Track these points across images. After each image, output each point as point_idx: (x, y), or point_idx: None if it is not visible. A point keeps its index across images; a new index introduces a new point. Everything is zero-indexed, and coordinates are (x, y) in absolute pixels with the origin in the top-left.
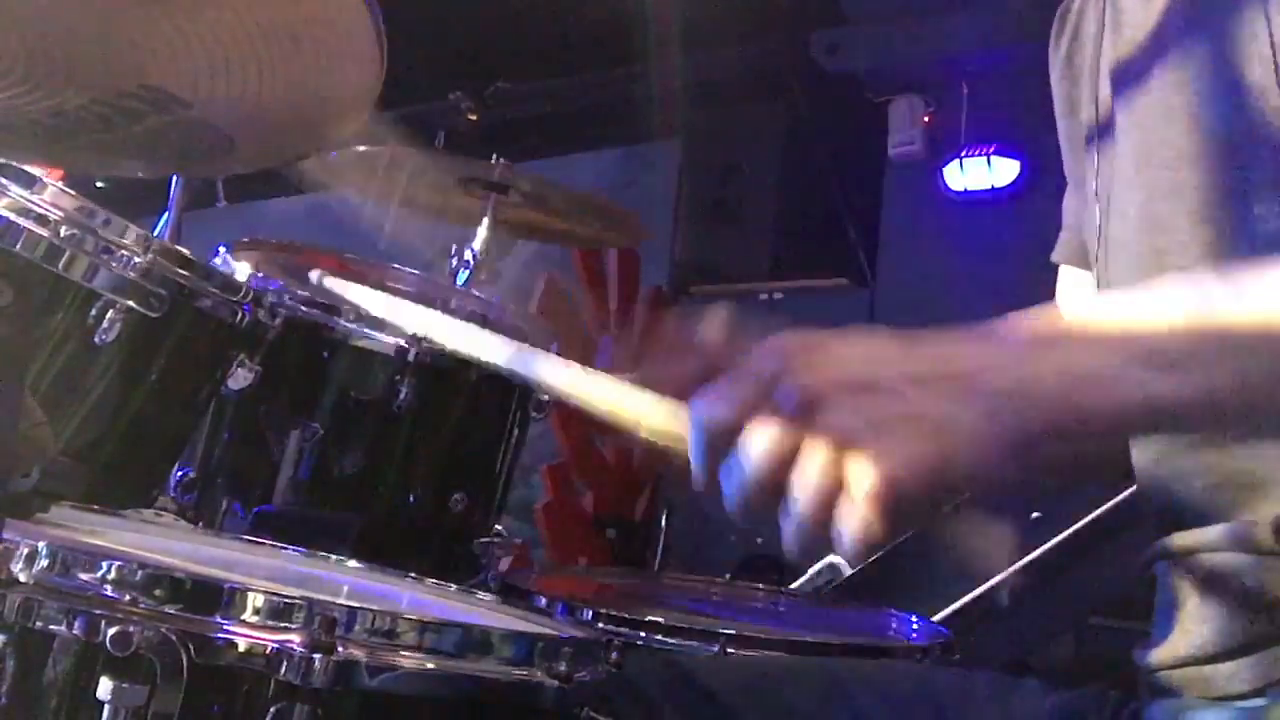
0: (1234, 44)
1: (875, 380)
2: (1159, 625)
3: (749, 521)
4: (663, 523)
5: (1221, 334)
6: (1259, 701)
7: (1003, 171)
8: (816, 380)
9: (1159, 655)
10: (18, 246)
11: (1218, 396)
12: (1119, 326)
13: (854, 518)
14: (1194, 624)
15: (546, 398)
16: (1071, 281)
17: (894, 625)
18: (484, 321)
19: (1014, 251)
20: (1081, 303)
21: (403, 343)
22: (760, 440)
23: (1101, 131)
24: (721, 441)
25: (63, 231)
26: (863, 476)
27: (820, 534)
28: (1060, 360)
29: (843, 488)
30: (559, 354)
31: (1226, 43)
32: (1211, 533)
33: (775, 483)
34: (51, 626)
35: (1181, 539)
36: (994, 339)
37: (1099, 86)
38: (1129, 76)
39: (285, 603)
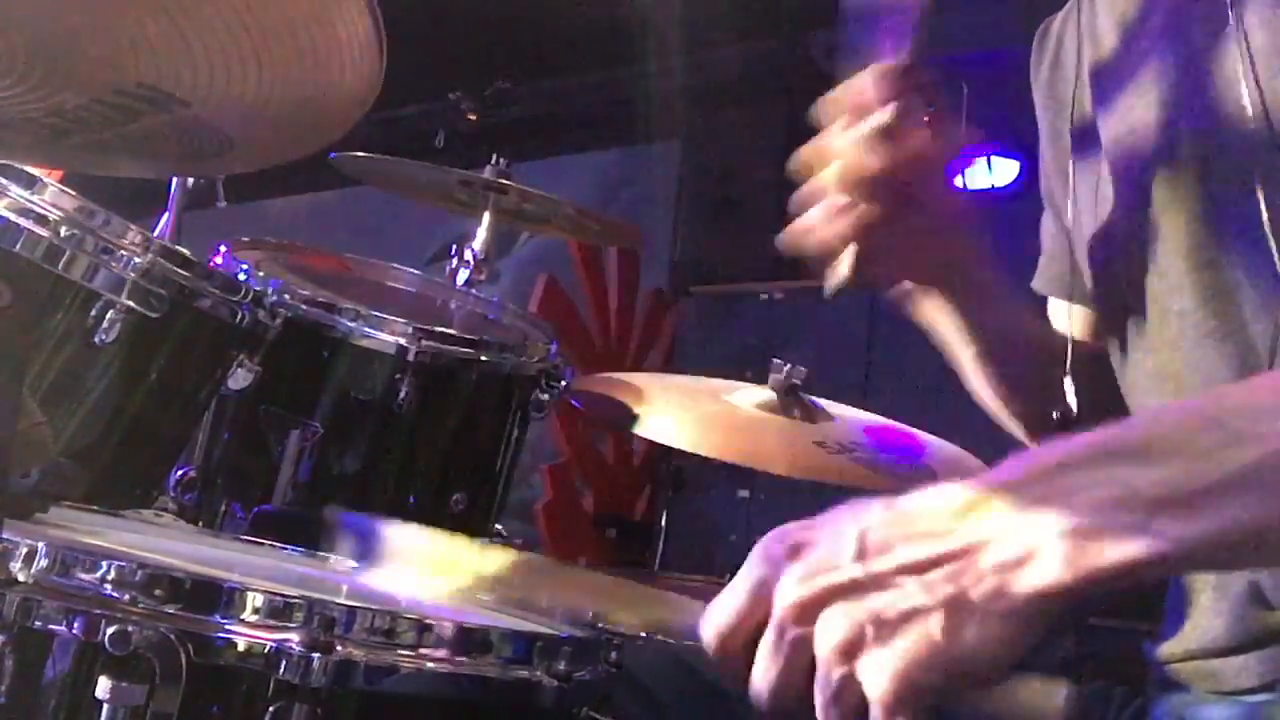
0: (1209, 56)
1: (870, 574)
2: (1169, 620)
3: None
4: (663, 523)
5: (1231, 467)
6: (1267, 696)
7: (1003, 171)
8: (809, 588)
9: (1168, 649)
10: (18, 246)
11: (1234, 535)
12: (1126, 464)
13: (876, 709)
14: (1204, 618)
15: (546, 397)
16: (1058, 317)
17: None
18: (484, 322)
19: (1014, 251)
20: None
21: (403, 342)
22: (772, 653)
23: (1087, 155)
24: (738, 654)
25: (63, 231)
26: (876, 682)
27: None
28: (1059, 519)
29: (861, 690)
30: (559, 354)
31: (1202, 56)
32: None
33: (798, 685)
34: (51, 626)
35: None
36: (983, 501)
37: (1081, 109)
38: (1108, 95)
39: (284, 602)
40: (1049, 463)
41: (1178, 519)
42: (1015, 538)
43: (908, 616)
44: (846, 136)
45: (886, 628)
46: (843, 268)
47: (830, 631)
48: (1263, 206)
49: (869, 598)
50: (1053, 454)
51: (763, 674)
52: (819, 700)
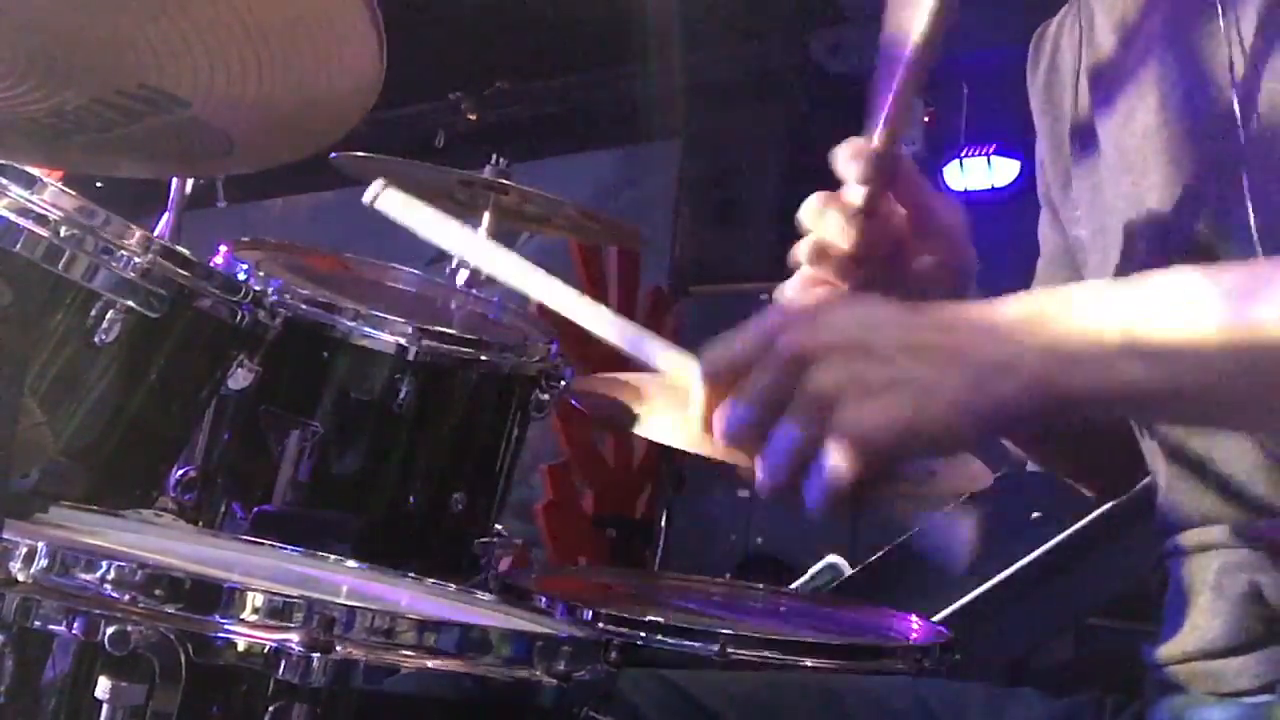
0: (1207, 58)
1: (867, 344)
2: (1168, 621)
3: (734, 457)
4: (663, 523)
5: (1199, 332)
6: (1266, 698)
7: (1003, 171)
8: (812, 339)
9: (1167, 651)
10: (18, 246)
11: (1185, 390)
12: (1108, 313)
13: (826, 466)
14: (1203, 619)
15: (546, 397)
16: None
17: (894, 625)
18: (484, 322)
19: (1014, 251)
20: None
21: (403, 342)
22: (752, 385)
23: (1087, 159)
24: (721, 385)
25: (63, 231)
26: (840, 429)
27: (792, 477)
28: (1046, 340)
29: (821, 440)
30: (559, 354)
31: (1200, 58)
32: (1225, 529)
33: (761, 423)
34: (50, 626)
35: (1194, 535)
36: (989, 314)
37: (1079, 113)
38: (1107, 99)
39: (284, 602)
40: (1049, 300)
41: (1147, 364)
42: (998, 348)
43: (886, 386)
44: (820, 211)
45: (866, 389)
46: None
47: (817, 378)
48: (1250, 209)
49: (860, 361)
50: (1051, 296)
51: (736, 406)
52: (777, 442)
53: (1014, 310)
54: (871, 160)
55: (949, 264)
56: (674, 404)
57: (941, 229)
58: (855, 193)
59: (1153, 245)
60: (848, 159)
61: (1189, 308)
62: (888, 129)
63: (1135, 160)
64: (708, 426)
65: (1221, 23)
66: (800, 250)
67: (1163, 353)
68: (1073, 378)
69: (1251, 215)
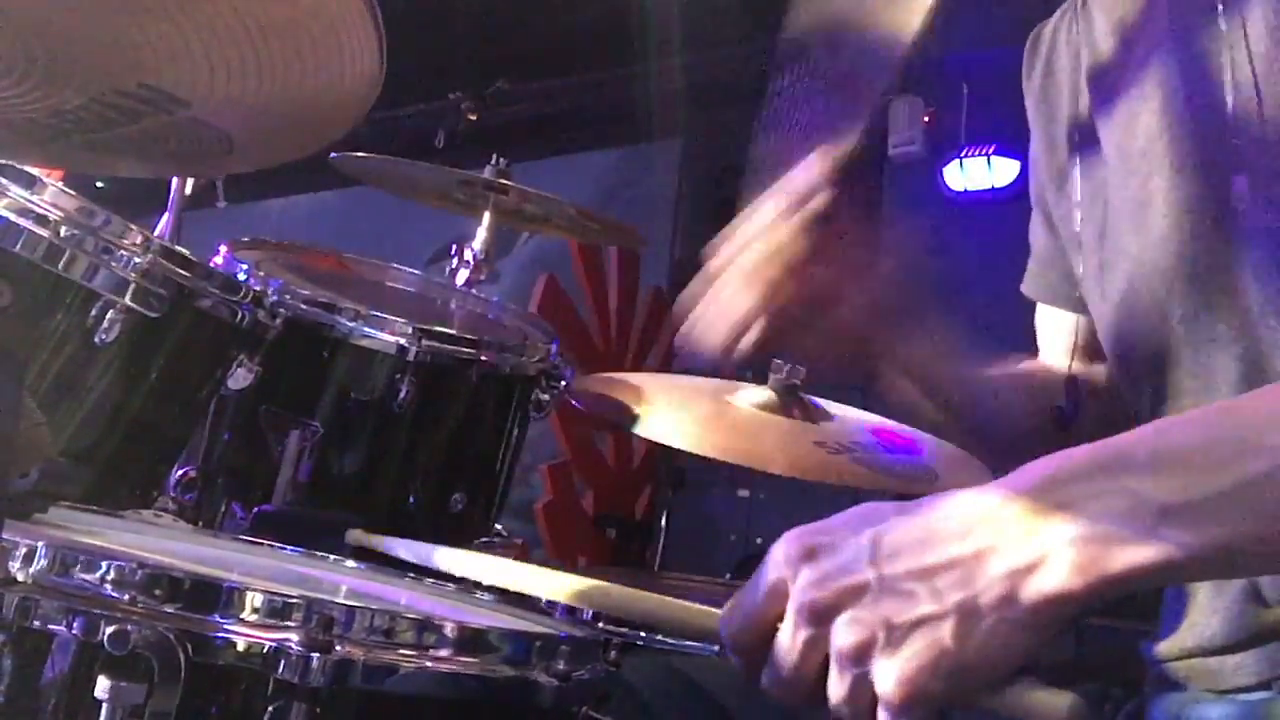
0: (1210, 59)
1: (882, 579)
2: (1167, 618)
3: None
4: (663, 523)
5: (1235, 478)
6: (1265, 694)
7: (1003, 171)
8: (822, 594)
9: (1166, 647)
10: (18, 246)
11: (1238, 543)
12: (1130, 474)
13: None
14: (1202, 616)
15: (546, 397)
16: (1049, 322)
17: None
18: (484, 322)
19: (1014, 251)
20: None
21: (403, 342)
22: (784, 657)
23: (1086, 162)
24: (753, 653)
25: (63, 231)
26: (883, 685)
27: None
28: (1072, 527)
29: (874, 692)
30: (559, 354)
31: (1203, 59)
32: None
33: (811, 684)
34: (50, 626)
35: None
36: (998, 506)
37: (1078, 115)
38: (1107, 101)
39: (283, 602)
40: (1060, 471)
41: (1186, 527)
42: (1025, 544)
43: (918, 622)
44: (772, 225)
45: (897, 632)
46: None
47: (843, 634)
48: (1253, 211)
49: (881, 602)
50: (1064, 462)
51: (777, 672)
52: (833, 699)
53: (1027, 488)
54: (836, 164)
55: (896, 275)
56: (674, 404)
57: (889, 243)
58: (816, 199)
59: (1157, 250)
60: (813, 165)
61: (1221, 452)
62: (858, 136)
63: (1139, 163)
64: (756, 684)
65: (1223, 24)
66: (750, 253)
67: (1205, 510)
68: (1113, 561)
69: (1255, 218)
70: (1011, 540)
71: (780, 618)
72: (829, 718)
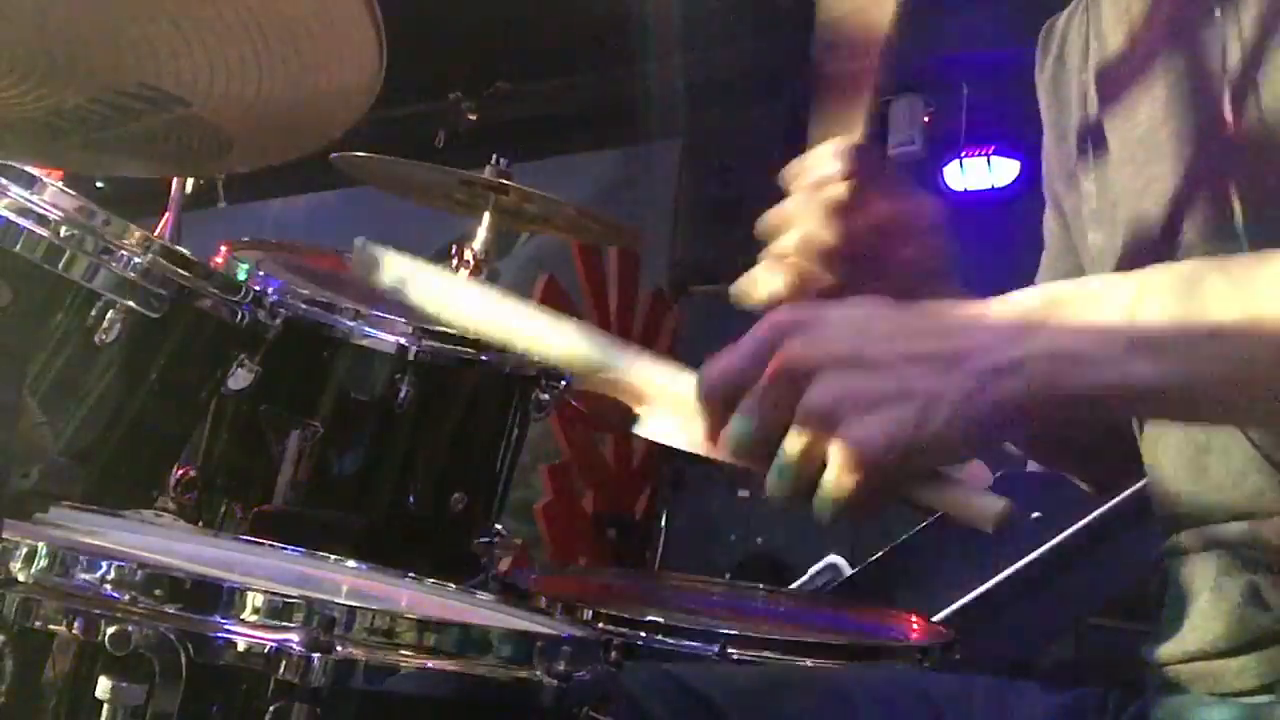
0: (1212, 54)
1: (864, 354)
2: (1168, 621)
3: (743, 465)
4: (663, 523)
5: (1208, 323)
6: (1266, 698)
7: (1003, 171)
8: (807, 352)
9: (1167, 651)
10: (18, 246)
11: (1197, 384)
12: (1110, 308)
13: (831, 480)
14: (1203, 619)
15: (546, 397)
16: None
17: (894, 625)
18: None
19: (1014, 251)
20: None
21: (403, 342)
22: (752, 402)
23: (1093, 154)
24: (721, 400)
25: (63, 231)
26: (840, 450)
27: (801, 490)
28: (1049, 339)
29: (825, 454)
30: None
31: (1205, 54)
32: (1224, 529)
33: (766, 440)
34: (50, 626)
35: (1194, 535)
36: (988, 315)
37: (1087, 108)
38: (1113, 94)
39: (284, 602)
40: (1049, 295)
41: (1151, 358)
42: (999, 351)
43: (887, 398)
44: (805, 207)
45: (865, 404)
46: None
47: (814, 395)
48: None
49: (857, 375)
50: (1055, 290)
51: (738, 421)
52: (783, 457)
53: (1013, 309)
54: (854, 154)
55: (927, 259)
56: (674, 404)
57: (920, 225)
58: (839, 188)
59: (1158, 241)
60: (831, 155)
61: (1196, 298)
62: (867, 123)
63: (1139, 156)
64: (712, 441)
65: (1219, 19)
66: (784, 242)
67: (1172, 346)
68: (1079, 377)
69: (1243, 213)
70: (989, 346)
71: (757, 379)
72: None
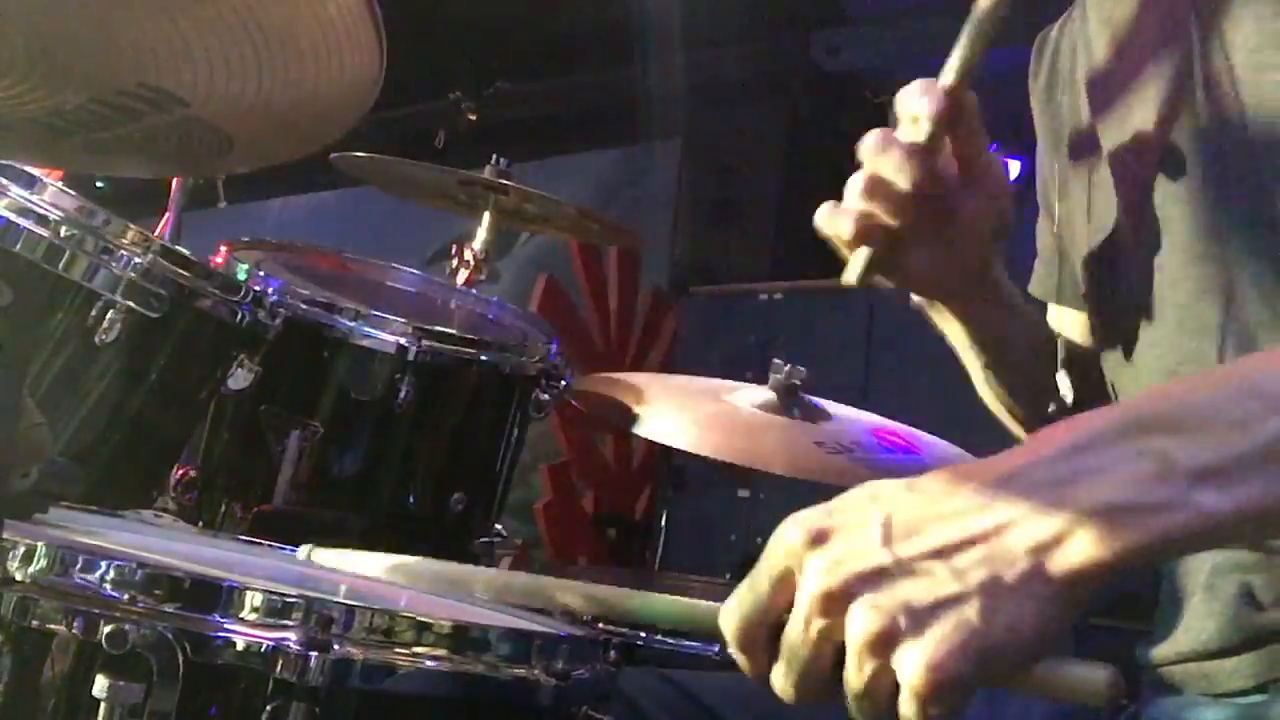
0: (1202, 56)
1: (898, 559)
2: (1163, 621)
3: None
4: (663, 523)
5: (1276, 439)
6: (1260, 698)
7: None
8: (836, 578)
9: (1162, 651)
10: (18, 246)
11: (1274, 507)
12: (1159, 436)
13: (913, 713)
14: (1198, 620)
15: (546, 397)
16: (1057, 321)
17: None
18: (484, 322)
19: (1014, 251)
20: (1115, 401)
21: (403, 342)
22: (795, 647)
23: (1087, 161)
24: (758, 648)
25: (63, 231)
26: (909, 672)
27: (885, 716)
28: (1098, 493)
29: (895, 681)
30: (559, 354)
31: (1195, 57)
32: None
33: (823, 679)
34: (49, 625)
35: None
36: (1018, 472)
37: (1080, 116)
38: (1104, 101)
39: (282, 601)
40: (1079, 437)
41: (1218, 489)
42: (1049, 515)
43: (941, 604)
44: (879, 146)
45: (919, 616)
46: (851, 271)
47: (860, 622)
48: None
49: (899, 585)
50: (1082, 427)
51: (788, 668)
52: (850, 693)
53: (1047, 455)
54: (943, 97)
55: (991, 217)
56: (674, 404)
57: (989, 177)
58: (918, 131)
59: (1151, 250)
60: (918, 94)
61: (1247, 408)
62: (961, 71)
63: (1136, 162)
64: (763, 681)
65: (1206, 20)
66: (854, 184)
67: (1238, 469)
68: (1145, 527)
69: (1242, 218)
70: (1034, 512)
71: (788, 609)
72: (840, 713)
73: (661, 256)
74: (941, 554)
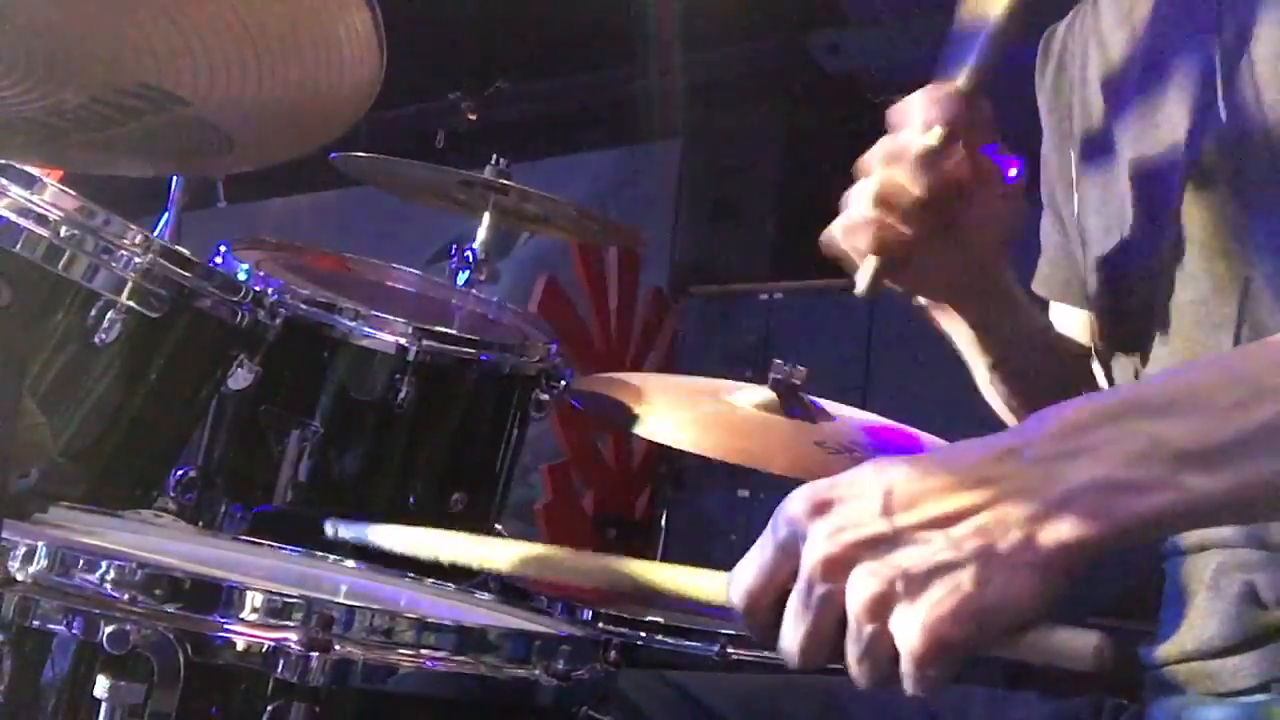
0: (1225, 56)
1: (897, 529)
2: (1166, 621)
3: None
4: (663, 523)
5: (1263, 424)
6: (1263, 696)
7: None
8: (837, 545)
9: (1165, 651)
10: (18, 246)
11: (1258, 490)
12: (1152, 418)
13: (910, 675)
14: (1201, 619)
15: (546, 397)
16: (1062, 320)
17: None
18: (484, 322)
19: (1014, 251)
20: (1111, 389)
21: (403, 342)
22: (800, 612)
23: (1098, 160)
24: (764, 614)
25: (63, 231)
26: (907, 636)
27: (886, 679)
28: (1090, 470)
29: (893, 645)
30: (559, 354)
31: (1217, 56)
32: (1224, 529)
33: (827, 643)
34: (49, 625)
35: (1191, 535)
36: (1016, 448)
37: (1090, 114)
38: (1124, 98)
39: (283, 601)
40: (1077, 416)
41: (1204, 472)
42: (1043, 490)
43: (936, 570)
44: (890, 154)
45: (915, 582)
46: (862, 280)
47: (860, 588)
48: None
49: (897, 553)
50: (1080, 408)
51: (792, 631)
52: (851, 656)
53: (1043, 434)
54: (956, 101)
55: (1000, 223)
56: (674, 404)
57: (1001, 186)
58: (931, 135)
59: (1168, 249)
60: (931, 100)
61: (1237, 393)
62: (974, 76)
63: (1158, 160)
64: (773, 645)
65: (1227, 18)
66: (862, 194)
67: (1224, 452)
68: (1132, 505)
69: (1262, 217)
70: (1028, 487)
71: (792, 576)
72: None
73: (661, 256)
74: (938, 524)
